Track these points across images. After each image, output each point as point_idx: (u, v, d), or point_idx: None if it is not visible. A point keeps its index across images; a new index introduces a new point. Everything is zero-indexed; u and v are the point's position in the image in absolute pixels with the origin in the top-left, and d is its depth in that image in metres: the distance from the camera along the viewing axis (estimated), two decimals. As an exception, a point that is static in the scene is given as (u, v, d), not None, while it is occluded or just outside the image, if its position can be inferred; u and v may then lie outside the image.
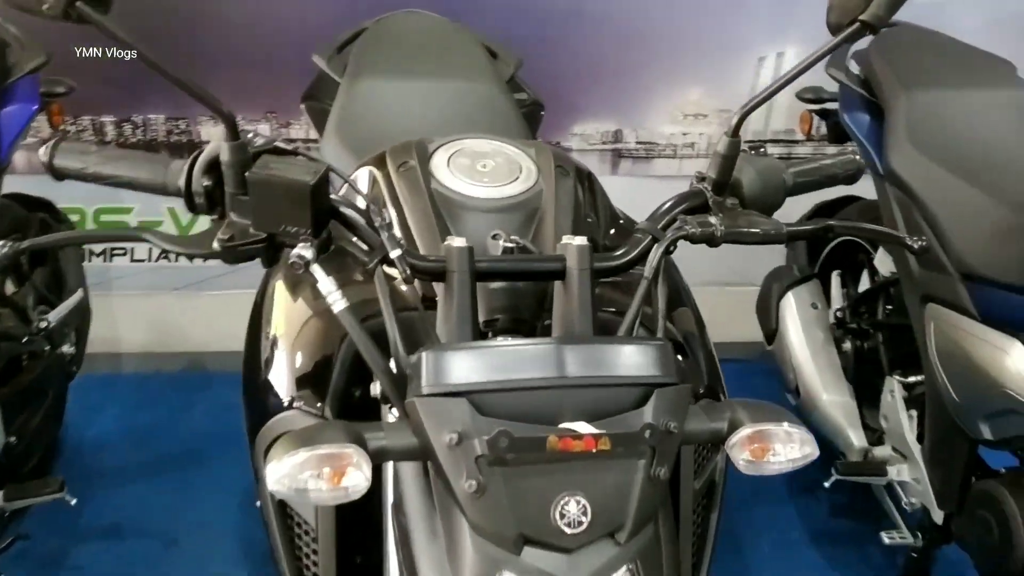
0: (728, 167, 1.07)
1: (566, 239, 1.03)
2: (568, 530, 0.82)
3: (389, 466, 1.01)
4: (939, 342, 1.90)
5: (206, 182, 0.98)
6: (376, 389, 0.96)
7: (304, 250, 0.94)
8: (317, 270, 0.94)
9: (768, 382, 2.63)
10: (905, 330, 2.16)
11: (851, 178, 1.19)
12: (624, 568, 0.84)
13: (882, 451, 2.21)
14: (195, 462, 2.56)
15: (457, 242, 0.98)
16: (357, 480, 0.82)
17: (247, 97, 2.74)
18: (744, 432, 0.90)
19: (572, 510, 0.83)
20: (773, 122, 2.94)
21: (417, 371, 0.87)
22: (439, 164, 1.24)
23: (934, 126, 2.07)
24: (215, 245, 0.96)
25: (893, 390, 2.16)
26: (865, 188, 2.10)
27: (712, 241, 1.03)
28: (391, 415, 0.98)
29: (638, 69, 2.82)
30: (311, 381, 1.12)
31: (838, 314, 2.43)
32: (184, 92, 0.89)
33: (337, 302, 0.94)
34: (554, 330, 1.03)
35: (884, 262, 2.28)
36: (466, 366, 0.85)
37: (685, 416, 0.88)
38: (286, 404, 1.10)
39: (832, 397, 2.30)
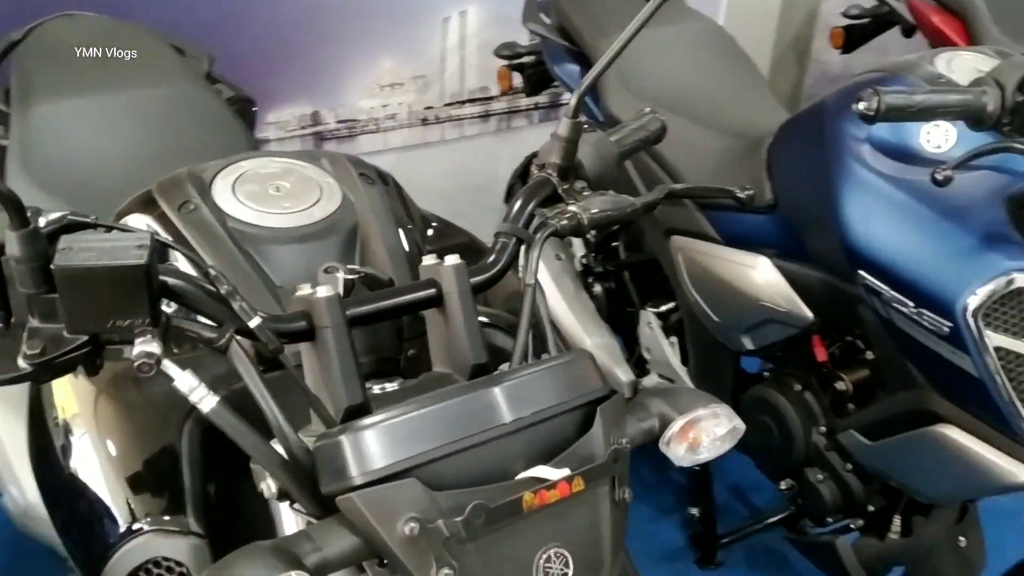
0: (572, 150, 1.00)
1: (428, 260, 0.91)
2: None
3: None
4: (690, 270, 1.98)
5: None
6: (270, 488, 0.79)
7: (148, 345, 0.74)
8: (170, 366, 0.75)
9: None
10: (649, 264, 2.26)
11: (658, 137, 1.17)
12: None
13: (650, 380, 2.30)
14: None
15: (321, 291, 0.82)
16: None
17: None
18: (677, 426, 0.86)
19: (555, 566, 0.74)
20: (468, 81, 2.92)
21: (337, 458, 0.72)
22: (224, 195, 1.05)
23: (643, 68, 2.15)
24: (22, 364, 0.73)
25: (650, 322, 2.25)
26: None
27: (580, 231, 0.96)
28: (290, 512, 0.82)
29: (326, 45, 2.65)
30: (160, 493, 0.90)
31: (583, 260, 2.49)
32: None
33: (206, 398, 0.76)
34: (435, 363, 0.92)
35: None
36: (401, 438, 0.72)
37: (626, 424, 0.82)
38: (135, 528, 0.88)
39: (596, 340, 2.36)
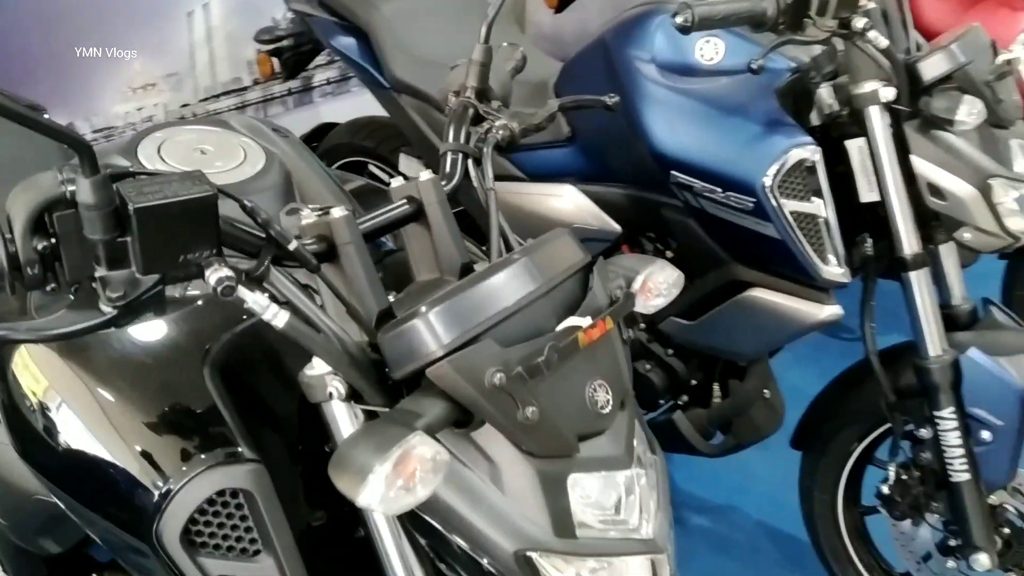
0: (485, 73, 1.14)
1: (396, 183, 1.02)
2: (602, 412, 0.89)
3: None
4: (506, 213, 2.09)
5: (40, 244, 0.76)
6: (339, 390, 0.87)
7: (222, 271, 0.79)
8: (243, 290, 0.81)
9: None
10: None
11: (523, 65, 1.32)
12: (634, 425, 0.94)
13: None
14: None
15: (336, 212, 0.91)
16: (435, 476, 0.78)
17: None
18: (640, 280, 1.03)
19: (599, 395, 0.89)
20: (221, 75, 2.90)
21: (415, 339, 0.83)
22: (154, 163, 1.09)
23: (415, 32, 2.30)
24: (106, 309, 0.76)
25: None
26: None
27: (514, 140, 1.11)
28: (346, 416, 0.89)
29: (68, 52, 2.54)
30: (198, 435, 0.93)
31: None
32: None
33: (279, 314, 0.82)
34: (419, 273, 1.02)
35: None
36: (466, 310, 0.84)
37: (609, 281, 0.99)
38: (186, 470, 0.91)
39: None
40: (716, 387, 2.09)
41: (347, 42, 2.37)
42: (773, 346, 1.96)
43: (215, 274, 0.79)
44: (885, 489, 1.89)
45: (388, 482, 0.74)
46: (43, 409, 0.99)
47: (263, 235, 0.85)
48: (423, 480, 0.76)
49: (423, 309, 0.84)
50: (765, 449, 2.44)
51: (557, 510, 0.86)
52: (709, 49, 1.73)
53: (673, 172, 1.73)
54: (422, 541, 0.92)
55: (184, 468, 0.92)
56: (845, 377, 1.93)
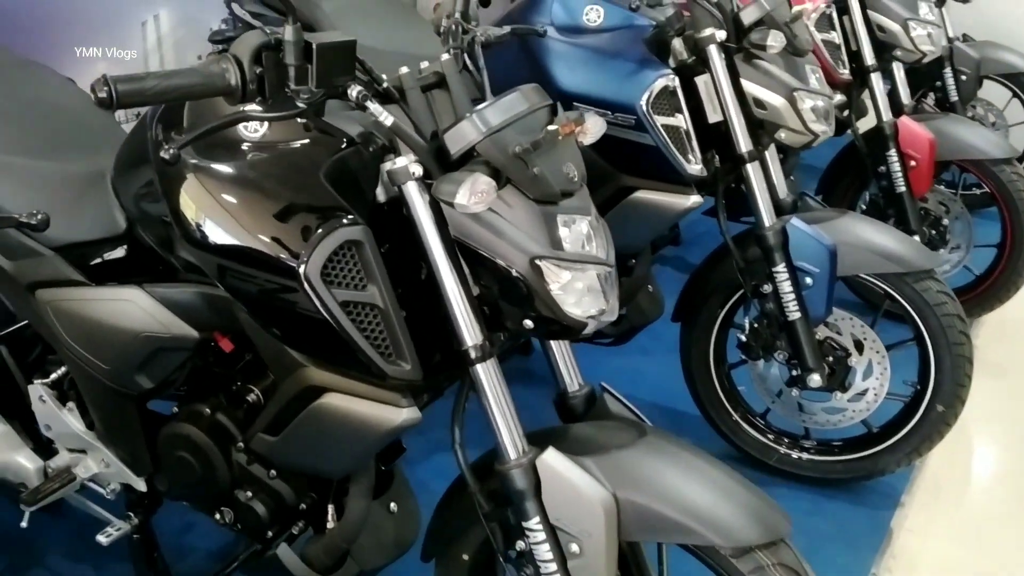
0: (467, 1, 1.72)
1: (424, 63, 1.57)
2: (573, 180, 1.46)
3: None
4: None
5: (258, 69, 1.28)
6: (416, 171, 1.41)
7: (356, 90, 1.33)
8: (370, 101, 1.35)
9: None
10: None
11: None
12: (590, 197, 1.52)
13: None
14: None
15: (403, 70, 1.47)
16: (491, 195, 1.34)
17: None
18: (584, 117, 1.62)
19: (571, 170, 1.46)
20: (168, 75, 3.34)
21: (467, 130, 1.38)
22: None
23: (355, 25, 2.85)
24: (301, 104, 1.30)
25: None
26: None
27: (488, 45, 1.68)
28: (423, 190, 1.43)
29: (35, 53, 2.92)
30: (319, 211, 1.44)
31: None
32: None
33: (387, 118, 1.36)
34: (442, 121, 1.57)
35: None
36: (494, 115, 1.40)
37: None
38: (325, 226, 1.41)
39: None
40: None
41: (295, 34, 2.89)
42: (656, 234, 2.58)
43: (355, 90, 1.33)
44: (743, 338, 2.54)
45: (469, 192, 1.30)
46: (199, 226, 1.50)
47: (366, 76, 1.40)
48: (485, 194, 1.32)
49: (469, 114, 1.40)
50: (648, 353, 3.08)
51: (552, 236, 1.42)
52: (593, 14, 2.38)
53: (575, 104, 2.35)
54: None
55: (321, 229, 1.42)
56: (709, 259, 2.59)
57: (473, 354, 1.43)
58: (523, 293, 1.41)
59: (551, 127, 1.44)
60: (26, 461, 2.01)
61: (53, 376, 1.96)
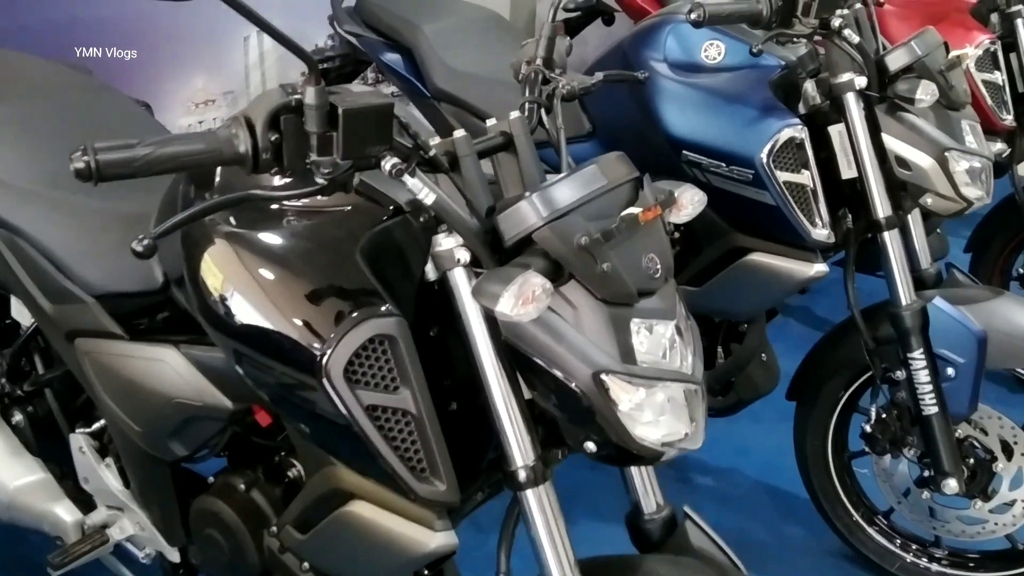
0: (551, 45, 1.47)
1: (490, 122, 1.34)
2: (654, 277, 1.20)
3: None
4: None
5: (273, 136, 1.08)
6: (463, 256, 1.18)
7: (394, 159, 1.10)
8: (407, 175, 1.12)
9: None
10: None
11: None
12: (677, 295, 1.25)
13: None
14: None
15: (458, 134, 1.24)
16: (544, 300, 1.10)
17: None
18: (675, 194, 1.35)
19: (652, 264, 1.20)
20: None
21: (526, 213, 1.14)
22: None
23: (453, 49, 2.66)
24: (320, 181, 1.08)
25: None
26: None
27: (574, 95, 1.43)
28: (471, 277, 1.20)
29: (146, 67, 2.87)
30: (350, 299, 1.21)
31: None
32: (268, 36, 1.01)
33: (429, 194, 1.14)
34: (506, 190, 1.33)
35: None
36: (560, 196, 1.15)
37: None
38: (346, 321, 1.19)
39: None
40: (719, 350, 2.39)
41: (393, 58, 2.73)
42: (770, 304, 2.28)
43: (388, 162, 1.11)
44: (868, 428, 2.19)
45: (515, 298, 1.05)
46: (222, 299, 1.29)
47: (411, 144, 1.17)
48: (536, 300, 1.07)
49: (528, 194, 1.16)
50: (759, 421, 2.76)
51: (623, 345, 1.16)
52: (713, 50, 2.08)
53: (684, 152, 2.07)
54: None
55: (349, 319, 1.19)
56: (832, 333, 2.25)
57: (523, 476, 1.23)
58: (584, 412, 1.16)
59: (632, 209, 1.19)
60: (64, 513, 1.87)
61: (95, 426, 1.82)
